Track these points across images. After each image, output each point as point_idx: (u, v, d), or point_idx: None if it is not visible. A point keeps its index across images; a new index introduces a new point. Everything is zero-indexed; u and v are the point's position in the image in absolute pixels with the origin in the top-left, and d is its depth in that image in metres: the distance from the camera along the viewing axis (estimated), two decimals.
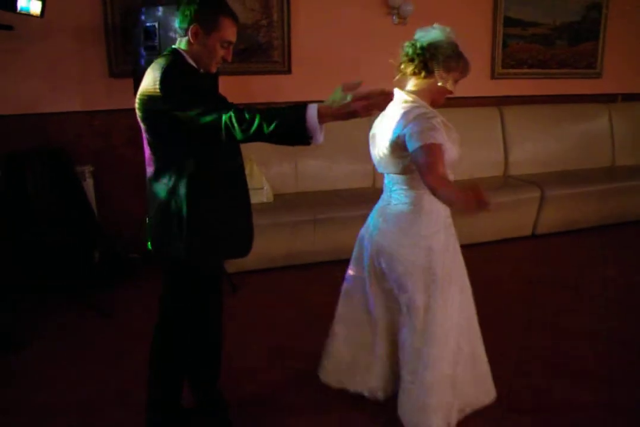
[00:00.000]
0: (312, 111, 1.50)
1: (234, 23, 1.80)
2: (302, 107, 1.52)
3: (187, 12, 1.76)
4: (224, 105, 1.61)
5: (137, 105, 1.80)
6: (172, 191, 1.81)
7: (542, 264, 4.10)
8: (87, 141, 3.89)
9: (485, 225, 4.31)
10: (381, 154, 2.04)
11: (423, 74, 1.97)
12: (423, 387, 2.02)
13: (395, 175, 2.03)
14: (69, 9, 3.65)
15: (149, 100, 1.73)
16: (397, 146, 1.94)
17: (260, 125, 1.53)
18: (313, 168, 4.27)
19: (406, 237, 2.01)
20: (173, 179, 1.80)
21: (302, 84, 4.33)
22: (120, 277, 3.61)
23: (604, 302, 3.38)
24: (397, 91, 2.00)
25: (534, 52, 5.16)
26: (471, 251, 4.18)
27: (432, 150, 1.85)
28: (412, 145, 1.87)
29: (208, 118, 1.59)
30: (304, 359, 2.68)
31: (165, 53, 1.83)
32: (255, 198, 3.73)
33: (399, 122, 1.93)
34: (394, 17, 4.58)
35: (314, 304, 3.32)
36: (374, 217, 2.13)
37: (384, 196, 2.12)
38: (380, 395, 2.24)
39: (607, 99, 5.53)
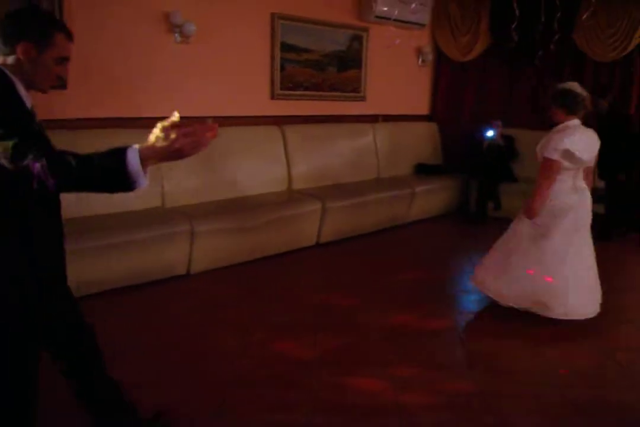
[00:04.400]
0: (133, 155, 1.41)
1: (68, 38, 1.69)
2: (121, 151, 1.43)
3: (14, 27, 1.61)
4: (37, 148, 1.44)
5: None
6: None
7: (328, 270, 4.51)
8: None
9: (273, 238, 4.59)
10: (585, 158, 3.32)
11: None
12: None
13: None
14: None
15: None
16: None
17: (77, 176, 1.44)
18: None
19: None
20: None
21: (77, 100, 4.11)
22: None
23: (389, 300, 3.85)
24: (577, 121, 3.35)
25: (308, 75, 5.63)
26: (262, 264, 4.48)
27: None
28: None
29: (17, 163, 1.43)
30: None
31: None
32: None
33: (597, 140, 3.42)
34: (177, 36, 4.61)
35: (112, 337, 3.15)
36: (581, 194, 3.43)
37: (577, 184, 3.40)
38: None
39: (371, 119, 6.29)
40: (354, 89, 6.09)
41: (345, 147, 5.81)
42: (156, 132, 1.44)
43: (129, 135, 4.27)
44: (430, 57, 6.81)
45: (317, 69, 5.70)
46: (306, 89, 5.65)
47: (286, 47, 5.36)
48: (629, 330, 3.53)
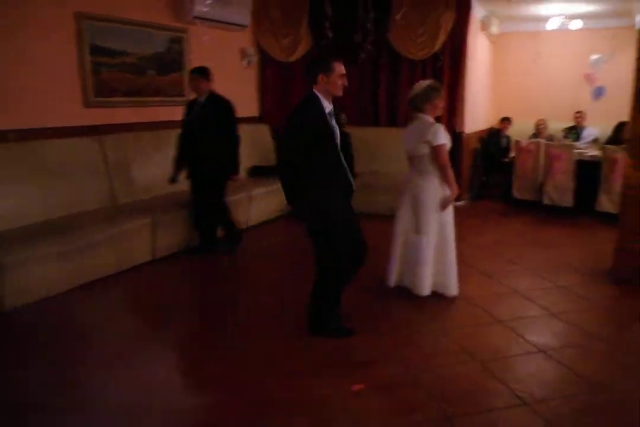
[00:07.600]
0: None
1: (341, 62, 3.06)
2: None
3: (315, 68, 3.05)
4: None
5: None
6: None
7: (166, 288, 4.29)
8: None
9: (102, 259, 4.24)
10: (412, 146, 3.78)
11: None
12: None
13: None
14: None
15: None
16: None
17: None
18: None
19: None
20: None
21: None
22: None
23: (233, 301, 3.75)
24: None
25: (127, 80, 5.26)
26: (94, 289, 4.10)
27: None
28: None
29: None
30: None
31: (307, 96, 3.10)
32: None
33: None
34: None
35: None
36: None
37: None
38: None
39: None
40: (178, 93, 5.83)
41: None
42: None
43: None
44: (255, 58, 6.77)
45: (136, 73, 5.35)
46: (125, 94, 5.28)
47: (98, 51, 4.95)
48: None
